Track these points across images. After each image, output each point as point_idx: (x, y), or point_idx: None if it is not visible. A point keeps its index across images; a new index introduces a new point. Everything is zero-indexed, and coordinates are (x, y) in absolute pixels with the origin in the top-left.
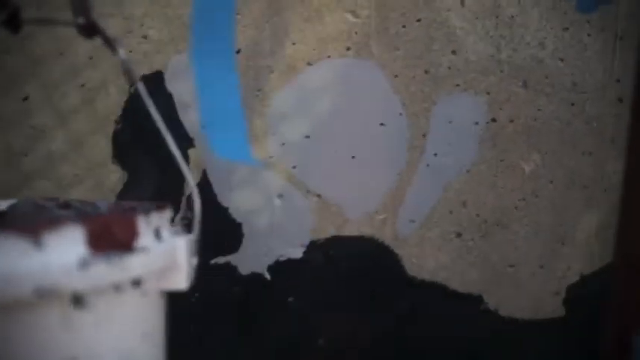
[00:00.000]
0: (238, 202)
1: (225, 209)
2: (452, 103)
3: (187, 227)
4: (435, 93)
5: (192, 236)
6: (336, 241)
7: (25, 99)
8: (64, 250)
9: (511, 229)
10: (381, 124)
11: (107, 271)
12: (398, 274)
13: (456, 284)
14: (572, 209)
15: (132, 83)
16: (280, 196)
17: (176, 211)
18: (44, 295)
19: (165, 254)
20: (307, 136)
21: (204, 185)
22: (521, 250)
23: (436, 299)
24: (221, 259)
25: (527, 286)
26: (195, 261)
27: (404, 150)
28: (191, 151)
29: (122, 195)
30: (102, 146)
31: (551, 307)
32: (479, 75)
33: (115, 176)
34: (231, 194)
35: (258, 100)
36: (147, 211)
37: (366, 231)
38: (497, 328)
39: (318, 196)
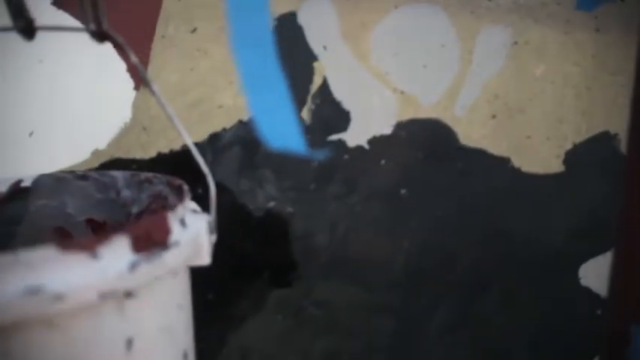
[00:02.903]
0: (348, 96)
1: (339, 102)
2: (488, 32)
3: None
4: (477, 26)
5: (210, 217)
6: (414, 122)
7: (194, 30)
8: (116, 258)
9: (527, 113)
10: (442, 45)
11: (150, 268)
12: (454, 143)
13: (493, 150)
14: (566, 100)
15: (145, 84)
16: (377, 92)
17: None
18: (106, 297)
19: (191, 240)
20: (396, 53)
21: (325, 86)
22: (535, 127)
23: (479, 161)
24: (334, 137)
25: (539, 151)
26: (214, 238)
27: (458, 61)
28: (315, 64)
29: None
30: None
31: (555, 165)
32: (506, 14)
33: None
34: (342, 91)
35: (363, 30)
36: (173, 207)
37: (433, 115)
38: (520, 180)
39: (402, 92)
